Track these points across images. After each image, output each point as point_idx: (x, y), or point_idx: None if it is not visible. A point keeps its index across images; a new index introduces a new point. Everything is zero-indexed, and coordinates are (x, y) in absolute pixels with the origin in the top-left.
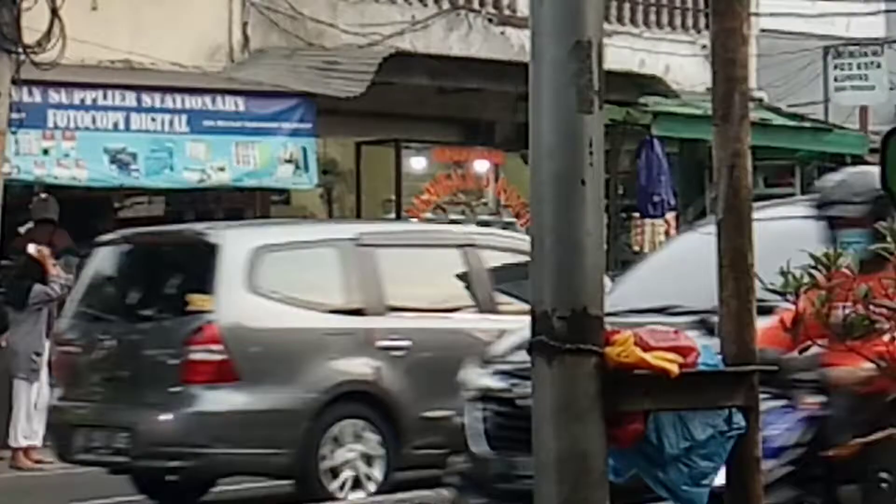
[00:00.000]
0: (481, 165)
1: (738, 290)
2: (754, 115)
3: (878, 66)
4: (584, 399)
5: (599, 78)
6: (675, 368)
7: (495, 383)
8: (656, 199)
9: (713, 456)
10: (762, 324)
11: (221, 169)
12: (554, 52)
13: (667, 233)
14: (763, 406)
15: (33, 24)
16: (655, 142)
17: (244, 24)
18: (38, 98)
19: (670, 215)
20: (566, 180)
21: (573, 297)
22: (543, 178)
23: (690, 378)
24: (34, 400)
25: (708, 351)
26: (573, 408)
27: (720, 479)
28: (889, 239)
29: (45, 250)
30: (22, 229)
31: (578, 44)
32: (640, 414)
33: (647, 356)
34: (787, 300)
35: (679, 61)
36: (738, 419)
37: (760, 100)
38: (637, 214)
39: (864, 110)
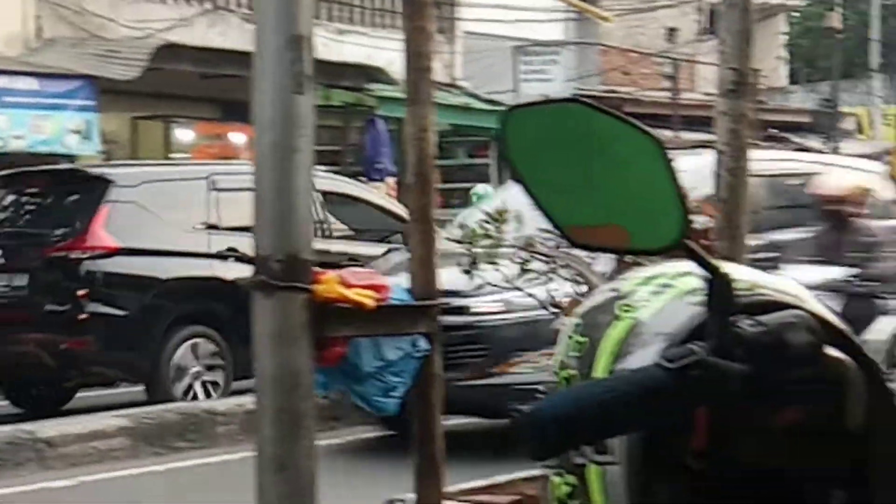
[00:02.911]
0: (237, 137)
1: (424, 240)
2: (458, 100)
3: (556, 63)
4: (296, 328)
5: (310, 65)
6: (370, 302)
7: None
8: (379, 166)
9: (402, 373)
10: None
11: (19, 137)
12: (274, 44)
13: (388, 194)
14: None
15: None
16: (379, 120)
17: (37, 17)
18: None
19: (391, 180)
20: (282, 148)
21: (287, 244)
22: (264, 146)
23: (383, 310)
24: None
25: (399, 288)
26: (287, 334)
27: None
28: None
29: None
30: None
31: (294, 37)
32: (342, 339)
33: (349, 292)
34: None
35: (399, 56)
36: (422, 343)
37: (463, 88)
38: (363, 179)
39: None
